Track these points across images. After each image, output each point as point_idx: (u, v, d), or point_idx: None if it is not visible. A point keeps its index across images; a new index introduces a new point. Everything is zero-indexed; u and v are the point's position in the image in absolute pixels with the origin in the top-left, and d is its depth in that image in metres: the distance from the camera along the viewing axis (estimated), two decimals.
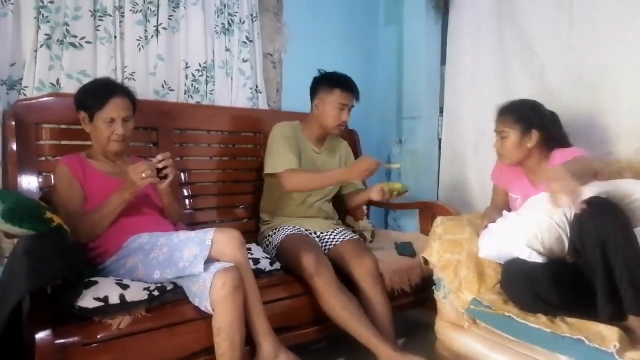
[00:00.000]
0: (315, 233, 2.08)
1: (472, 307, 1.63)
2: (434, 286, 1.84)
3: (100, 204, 1.58)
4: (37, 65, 1.91)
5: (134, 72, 2.15)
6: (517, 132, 1.74)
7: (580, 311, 1.47)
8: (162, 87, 2.25)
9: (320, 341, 1.94)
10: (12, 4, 1.84)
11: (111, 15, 2.06)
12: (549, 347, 1.42)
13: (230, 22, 2.45)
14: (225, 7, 2.42)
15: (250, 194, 2.36)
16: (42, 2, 1.91)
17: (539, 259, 1.56)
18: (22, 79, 1.90)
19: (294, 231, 2.01)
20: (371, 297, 1.84)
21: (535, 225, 1.57)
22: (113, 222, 1.60)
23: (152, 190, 1.76)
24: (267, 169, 2.05)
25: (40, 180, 1.80)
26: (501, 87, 2.44)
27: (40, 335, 1.26)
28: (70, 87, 1.92)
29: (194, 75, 2.34)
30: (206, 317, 1.48)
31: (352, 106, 2.13)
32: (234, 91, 2.47)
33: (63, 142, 1.90)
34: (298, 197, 2.11)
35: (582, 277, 1.49)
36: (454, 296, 1.72)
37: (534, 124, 1.75)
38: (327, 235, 2.07)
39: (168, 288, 1.53)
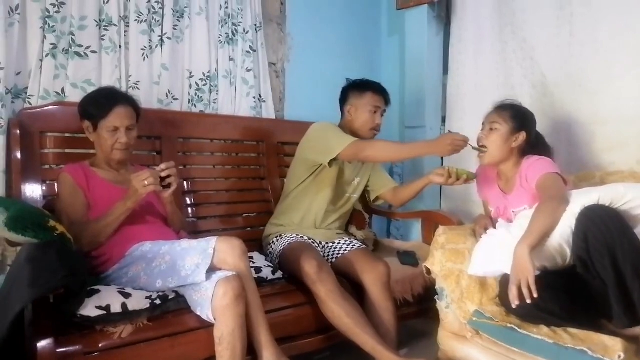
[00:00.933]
0: (320, 243, 2.07)
1: (474, 319, 1.62)
2: (436, 296, 1.83)
3: (104, 212, 1.59)
4: (42, 75, 1.92)
5: (138, 82, 2.16)
6: (509, 128, 1.76)
7: (580, 321, 1.46)
8: (166, 96, 2.26)
9: (324, 351, 1.93)
10: (18, 14, 1.86)
11: (116, 25, 2.08)
12: (552, 358, 1.40)
13: (234, 32, 2.47)
14: (229, 18, 2.44)
15: (253, 202, 2.37)
16: (48, 12, 1.93)
17: None
18: (27, 88, 1.91)
19: (297, 239, 2.00)
20: (379, 304, 1.83)
21: None
22: (116, 230, 1.61)
23: (156, 199, 1.77)
24: (330, 153, 1.92)
25: (44, 188, 1.81)
26: (503, 96, 2.40)
27: (42, 344, 1.26)
28: (75, 96, 1.94)
29: (197, 85, 2.35)
30: (208, 327, 1.48)
31: (385, 110, 2.14)
32: (238, 100, 2.49)
33: (67, 151, 1.90)
34: (320, 212, 2.09)
35: (579, 287, 1.48)
36: (456, 306, 1.71)
37: (525, 125, 1.78)
38: (333, 245, 2.07)
39: (170, 297, 1.53)
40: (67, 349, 1.31)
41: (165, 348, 1.46)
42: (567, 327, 1.46)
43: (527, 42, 2.37)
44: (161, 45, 2.23)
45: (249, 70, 2.49)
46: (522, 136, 1.77)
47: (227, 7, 2.43)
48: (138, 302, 1.45)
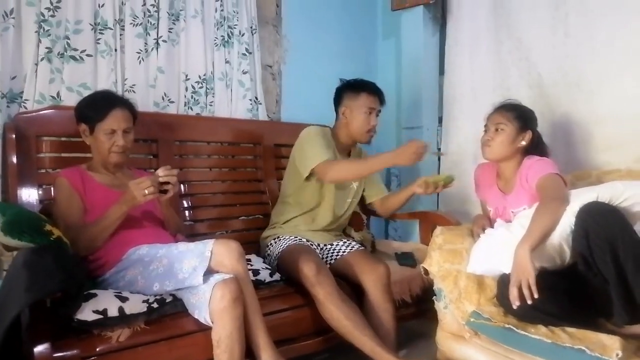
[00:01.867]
0: (319, 246, 2.07)
1: (472, 320, 1.62)
2: (434, 296, 1.83)
3: (100, 216, 1.58)
4: (37, 79, 1.92)
5: (134, 85, 2.16)
6: (515, 128, 1.76)
7: (578, 321, 1.46)
8: (162, 99, 2.26)
9: (322, 353, 1.92)
10: (13, 18, 1.86)
11: (111, 29, 2.08)
12: (550, 358, 1.41)
13: (230, 34, 2.46)
14: (225, 20, 2.44)
15: (250, 205, 2.36)
16: (43, 16, 1.93)
17: None
18: (22, 92, 1.91)
19: (295, 242, 2.00)
20: (379, 305, 1.83)
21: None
22: (113, 234, 1.60)
23: (152, 202, 1.76)
24: (305, 170, 1.96)
25: (40, 192, 1.80)
26: (499, 97, 2.42)
27: (39, 348, 1.26)
28: (71, 100, 1.93)
29: (194, 87, 2.35)
30: (205, 330, 1.47)
31: (380, 110, 2.13)
32: (234, 103, 2.49)
33: (63, 155, 1.90)
34: (324, 219, 2.09)
35: (578, 287, 1.49)
36: (454, 306, 1.71)
37: (530, 125, 1.79)
38: (331, 247, 2.07)
39: (167, 300, 1.52)
40: (64, 353, 1.30)
41: (163, 351, 1.46)
42: (565, 327, 1.46)
43: (522, 43, 2.37)
44: (157, 48, 2.23)
45: (245, 73, 2.49)
46: (528, 135, 1.77)
47: (222, 10, 2.43)
48: (135, 305, 1.44)
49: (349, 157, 2.20)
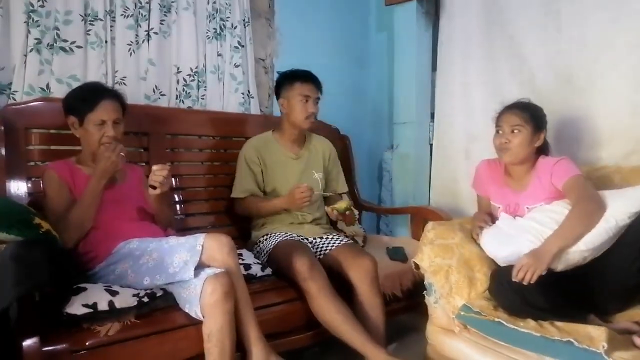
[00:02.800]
0: (308, 239, 2.07)
1: (462, 313, 1.63)
2: (425, 291, 1.84)
3: (79, 196, 1.59)
4: (26, 70, 1.89)
5: (124, 77, 2.14)
6: (530, 129, 1.75)
7: (567, 315, 1.48)
8: (154, 92, 2.24)
9: (313, 347, 1.93)
10: (1, 7, 1.83)
11: (102, 20, 2.05)
12: (539, 351, 1.43)
13: (222, 27, 2.45)
14: (217, 12, 2.42)
15: None
16: (32, 6, 1.90)
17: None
18: (11, 83, 1.88)
19: (286, 237, 2.00)
20: (367, 299, 1.83)
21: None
22: (102, 227, 1.60)
23: (143, 196, 1.75)
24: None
25: (29, 185, 1.79)
26: (491, 93, 2.46)
27: (28, 342, 1.25)
28: (60, 91, 1.90)
29: (185, 80, 2.33)
30: (196, 324, 1.47)
31: (318, 98, 2.15)
32: (226, 96, 2.47)
33: (53, 147, 1.88)
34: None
35: (568, 283, 1.52)
36: (444, 301, 1.72)
37: (543, 125, 1.79)
38: (320, 241, 2.06)
39: (158, 294, 1.52)
40: (53, 347, 1.30)
41: (154, 345, 1.45)
42: (554, 321, 1.47)
43: (514, 39, 2.38)
44: (148, 41, 2.21)
45: (237, 66, 2.48)
46: (543, 135, 1.78)
47: (214, 2, 2.41)
48: (125, 299, 1.44)
49: (303, 144, 2.25)
